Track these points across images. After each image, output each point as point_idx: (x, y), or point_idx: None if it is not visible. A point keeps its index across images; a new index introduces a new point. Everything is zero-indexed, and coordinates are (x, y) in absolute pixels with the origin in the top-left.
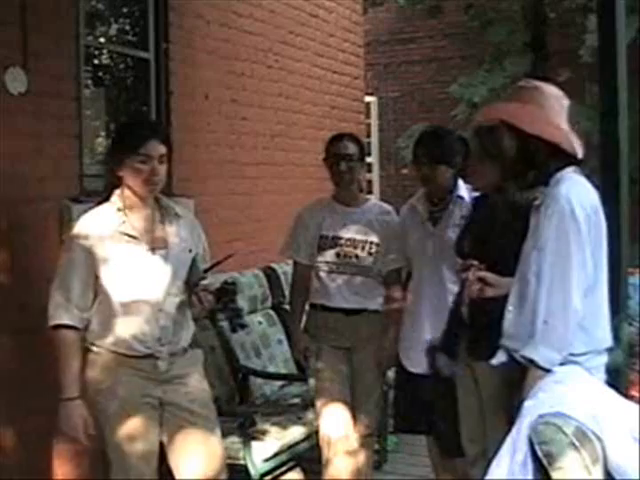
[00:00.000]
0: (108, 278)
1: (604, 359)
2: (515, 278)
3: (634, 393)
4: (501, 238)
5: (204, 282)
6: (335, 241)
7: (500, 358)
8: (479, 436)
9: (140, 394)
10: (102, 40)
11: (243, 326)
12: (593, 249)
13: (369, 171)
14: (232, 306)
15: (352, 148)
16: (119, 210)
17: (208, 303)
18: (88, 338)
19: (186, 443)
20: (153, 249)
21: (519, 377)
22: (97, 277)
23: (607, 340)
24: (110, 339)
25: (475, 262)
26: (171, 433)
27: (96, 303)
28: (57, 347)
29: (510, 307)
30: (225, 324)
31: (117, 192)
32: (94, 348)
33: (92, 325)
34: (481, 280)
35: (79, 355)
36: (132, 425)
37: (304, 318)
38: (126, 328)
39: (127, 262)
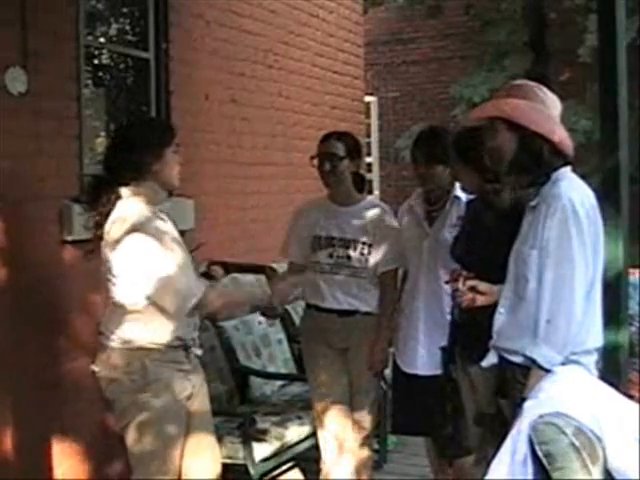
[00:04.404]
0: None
1: (594, 358)
2: (507, 279)
3: (634, 393)
4: (491, 243)
5: None
6: (328, 242)
7: (491, 360)
8: (478, 437)
9: (181, 389)
10: (102, 40)
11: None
12: (592, 248)
13: (369, 171)
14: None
15: (337, 147)
16: (155, 202)
17: (219, 276)
18: (130, 337)
19: (196, 447)
20: (180, 241)
21: (511, 377)
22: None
23: (600, 340)
24: (163, 334)
25: (464, 271)
26: (188, 427)
27: (145, 300)
28: (217, 298)
29: (501, 309)
30: (229, 323)
31: (130, 191)
32: (133, 344)
33: (138, 324)
34: (472, 289)
35: None
36: (177, 420)
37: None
38: (179, 321)
39: (172, 256)
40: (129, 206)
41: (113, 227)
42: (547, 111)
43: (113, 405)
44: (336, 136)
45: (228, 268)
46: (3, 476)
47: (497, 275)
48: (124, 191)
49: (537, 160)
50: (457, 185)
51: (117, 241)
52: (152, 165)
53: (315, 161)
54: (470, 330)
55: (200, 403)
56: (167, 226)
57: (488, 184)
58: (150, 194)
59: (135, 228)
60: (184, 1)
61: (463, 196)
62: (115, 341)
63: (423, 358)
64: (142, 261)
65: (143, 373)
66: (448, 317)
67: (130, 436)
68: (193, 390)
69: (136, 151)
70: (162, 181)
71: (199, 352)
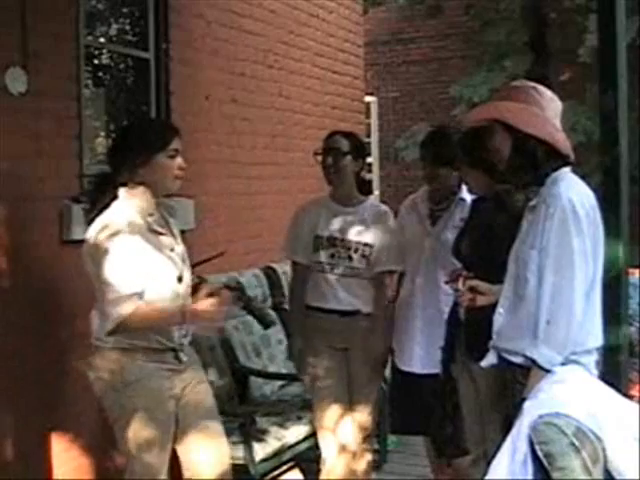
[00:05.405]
0: (144, 274)
1: (594, 358)
2: (507, 279)
3: (634, 393)
4: (499, 243)
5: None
6: (330, 242)
7: (490, 360)
8: (479, 437)
9: (167, 387)
10: (102, 40)
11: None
12: (592, 248)
13: (369, 171)
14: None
15: (342, 143)
16: (143, 209)
17: (228, 300)
18: (110, 338)
19: (200, 439)
20: (173, 246)
21: (511, 377)
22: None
23: (599, 339)
24: (141, 336)
25: (464, 271)
26: (184, 428)
27: None
28: (145, 317)
29: (500, 309)
30: (229, 323)
31: (126, 194)
32: (119, 344)
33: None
34: (472, 289)
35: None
36: (159, 419)
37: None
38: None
39: (158, 258)
40: (115, 209)
41: (94, 228)
42: (543, 113)
43: (102, 403)
44: (342, 133)
45: (241, 298)
46: (3, 476)
47: (498, 276)
48: (121, 191)
49: (532, 161)
50: (463, 187)
51: (96, 243)
52: (139, 169)
53: (319, 157)
54: (476, 329)
55: (198, 400)
56: (147, 235)
57: (499, 185)
58: (142, 198)
59: (110, 234)
60: (184, 1)
61: (469, 198)
62: (99, 341)
63: (420, 357)
64: (104, 265)
65: (122, 373)
66: (445, 316)
67: (117, 434)
68: (186, 388)
69: (127, 155)
70: (151, 187)
71: (185, 359)
